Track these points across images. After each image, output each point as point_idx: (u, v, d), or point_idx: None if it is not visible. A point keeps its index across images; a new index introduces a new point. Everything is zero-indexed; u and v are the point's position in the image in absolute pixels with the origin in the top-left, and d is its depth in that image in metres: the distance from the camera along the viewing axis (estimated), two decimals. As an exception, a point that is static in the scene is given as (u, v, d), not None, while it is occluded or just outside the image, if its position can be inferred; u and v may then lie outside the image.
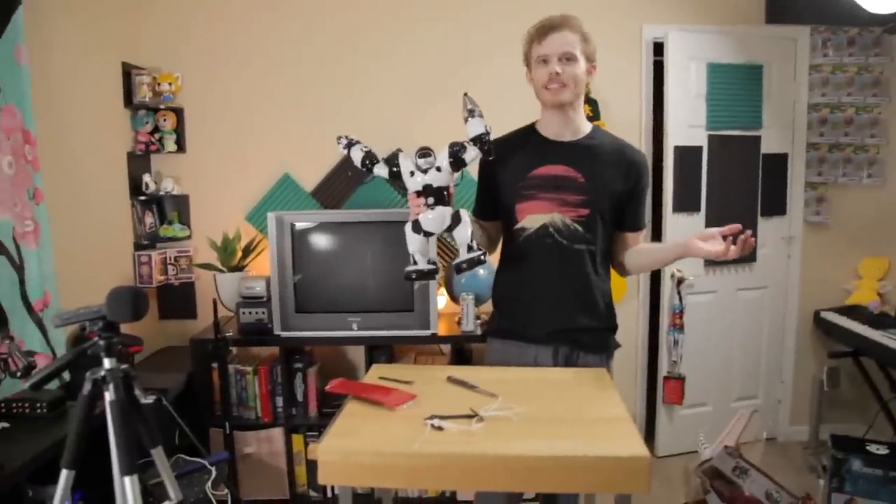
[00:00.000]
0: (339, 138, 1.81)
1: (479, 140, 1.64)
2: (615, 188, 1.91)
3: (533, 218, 1.89)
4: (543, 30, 1.85)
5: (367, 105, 3.37)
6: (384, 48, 3.35)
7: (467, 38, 3.24)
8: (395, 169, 1.70)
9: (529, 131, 1.98)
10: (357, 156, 1.76)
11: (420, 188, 1.67)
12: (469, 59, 3.23)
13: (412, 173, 1.67)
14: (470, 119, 1.66)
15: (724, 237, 1.74)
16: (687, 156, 3.38)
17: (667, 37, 3.29)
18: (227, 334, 2.97)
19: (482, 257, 1.68)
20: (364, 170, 1.76)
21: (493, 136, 1.71)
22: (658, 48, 3.39)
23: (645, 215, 2.03)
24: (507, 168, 1.92)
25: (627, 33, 3.42)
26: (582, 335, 1.92)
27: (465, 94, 1.69)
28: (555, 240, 1.88)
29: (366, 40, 3.37)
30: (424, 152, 1.66)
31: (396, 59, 3.32)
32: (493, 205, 1.98)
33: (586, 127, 1.96)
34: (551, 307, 1.91)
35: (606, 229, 1.93)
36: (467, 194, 2.24)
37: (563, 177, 1.88)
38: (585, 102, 3.26)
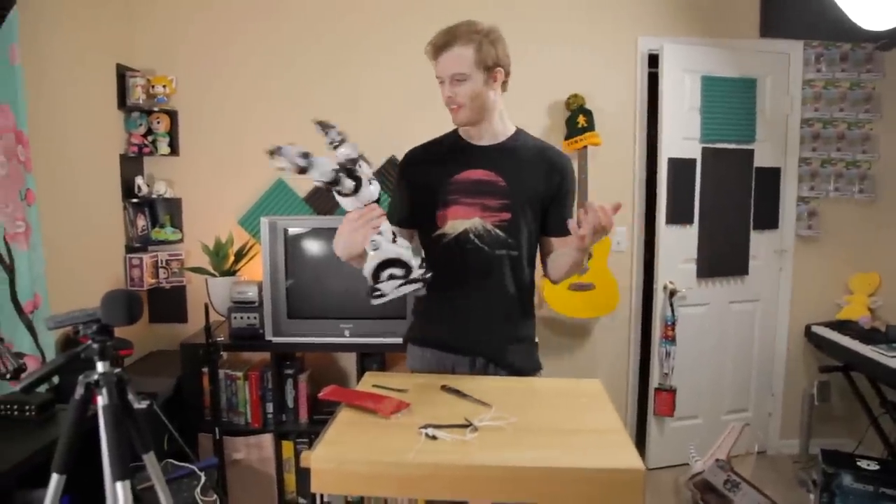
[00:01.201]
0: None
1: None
2: (537, 191, 1.85)
3: (454, 224, 1.84)
4: (434, 49, 1.74)
5: (363, 109, 3.37)
6: (380, 53, 3.36)
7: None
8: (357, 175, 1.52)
9: (452, 136, 1.92)
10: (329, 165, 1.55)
11: (377, 197, 1.55)
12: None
13: (370, 181, 1.53)
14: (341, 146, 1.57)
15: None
16: (680, 168, 3.39)
17: (662, 49, 3.31)
18: (218, 339, 2.95)
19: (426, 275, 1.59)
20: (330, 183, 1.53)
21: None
22: (653, 60, 3.41)
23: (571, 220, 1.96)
24: (429, 174, 1.86)
25: (623, 45, 3.45)
26: (498, 347, 1.87)
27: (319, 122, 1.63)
28: (476, 245, 1.83)
29: (362, 45, 3.37)
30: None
31: (393, 64, 3.33)
32: (410, 211, 1.90)
33: (508, 129, 1.90)
34: (470, 317, 1.86)
35: (530, 234, 1.88)
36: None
37: (484, 181, 1.83)
38: (581, 113, 3.32)
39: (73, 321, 1.37)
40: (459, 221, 1.84)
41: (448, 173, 1.85)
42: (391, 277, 1.54)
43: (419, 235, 1.94)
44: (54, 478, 1.34)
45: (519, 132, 1.92)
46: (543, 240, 1.94)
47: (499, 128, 1.87)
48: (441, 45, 1.72)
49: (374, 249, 1.52)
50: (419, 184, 1.88)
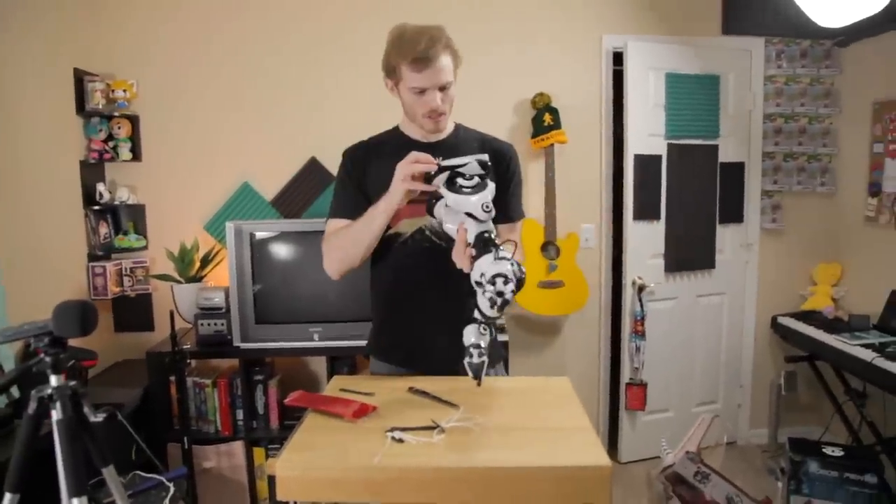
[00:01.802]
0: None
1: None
2: None
3: (407, 222, 1.81)
4: (420, 62, 1.66)
5: (329, 113, 3.35)
6: (347, 57, 3.33)
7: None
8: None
9: (394, 133, 1.89)
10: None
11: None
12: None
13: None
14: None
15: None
16: (646, 164, 3.42)
17: (626, 46, 3.34)
18: (185, 346, 2.90)
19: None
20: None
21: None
22: (618, 58, 3.44)
23: (518, 207, 1.91)
24: (376, 173, 1.80)
25: (587, 43, 3.46)
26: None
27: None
28: (433, 243, 1.79)
29: (328, 49, 3.35)
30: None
31: (359, 68, 3.30)
32: (361, 210, 1.78)
33: (450, 125, 1.88)
34: (434, 324, 1.80)
35: None
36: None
37: None
38: (547, 111, 3.33)
39: (23, 335, 1.33)
40: (413, 220, 1.80)
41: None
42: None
43: None
44: (7, 497, 1.30)
45: (458, 127, 1.91)
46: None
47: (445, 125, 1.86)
48: (430, 55, 1.66)
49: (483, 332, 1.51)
50: (368, 182, 1.83)
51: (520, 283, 1.36)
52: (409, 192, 1.59)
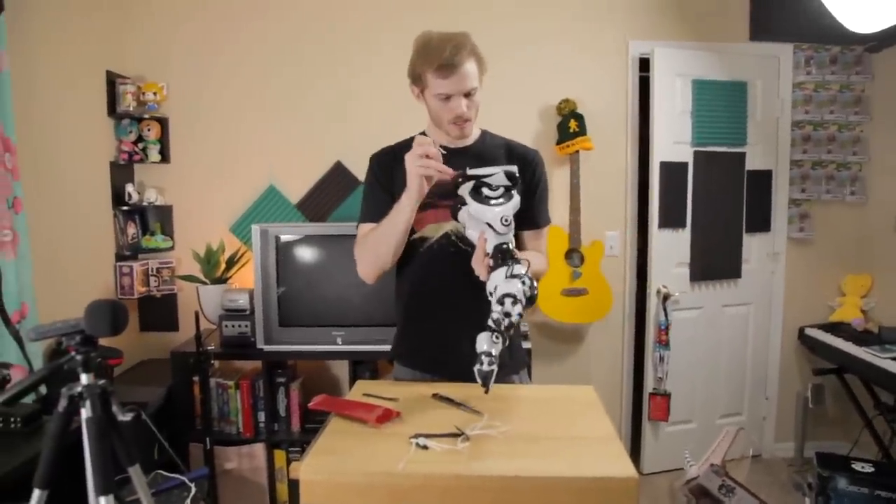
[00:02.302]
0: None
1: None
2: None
3: (433, 227, 1.81)
4: (445, 68, 1.67)
5: (355, 118, 3.36)
6: (371, 57, 3.35)
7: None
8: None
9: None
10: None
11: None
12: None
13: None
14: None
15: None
16: (672, 172, 3.39)
17: (652, 53, 3.31)
18: (209, 347, 2.93)
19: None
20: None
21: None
22: (644, 64, 3.41)
23: (544, 213, 1.92)
24: (402, 176, 1.76)
25: (613, 49, 3.45)
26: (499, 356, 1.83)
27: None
28: (458, 248, 1.77)
29: (355, 51, 3.37)
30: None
31: (386, 71, 3.31)
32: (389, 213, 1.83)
33: (476, 131, 1.89)
34: (459, 330, 1.74)
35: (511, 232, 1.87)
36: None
37: None
38: (572, 117, 3.31)
39: (56, 332, 1.35)
40: (439, 224, 1.81)
41: None
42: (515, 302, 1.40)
43: None
44: (36, 493, 1.32)
45: (485, 133, 1.92)
46: (518, 234, 1.90)
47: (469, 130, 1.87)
48: (455, 62, 1.67)
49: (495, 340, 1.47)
50: (395, 186, 1.83)
51: (530, 301, 1.38)
52: (428, 180, 1.61)
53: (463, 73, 1.69)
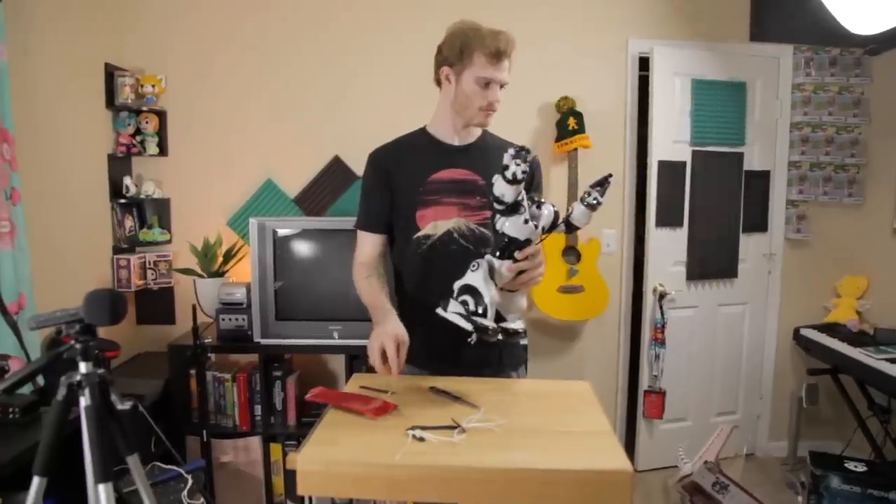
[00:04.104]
0: None
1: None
2: None
3: (437, 224, 1.82)
4: (498, 53, 1.73)
5: (353, 112, 3.36)
6: (372, 53, 3.34)
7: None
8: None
9: (422, 136, 1.91)
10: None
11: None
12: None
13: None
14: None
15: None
16: (670, 171, 3.40)
17: (652, 52, 3.32)
18: (206, 341, 2.94)
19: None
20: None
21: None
22: (643, 63, 3.42)
23: None
24: (407, 173, 1.84)
25: (613, 47, 3.45)
26: (486, 354, 1.82)
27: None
28: (460, 245, 1.81)
29: (354, 45, 3.36)
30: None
31: (385, 65, 3.32)
32: (388, 214, 1.88)
33: (478, 130, 1.91)
34: (459, 329, 1.81)
35: None
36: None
37: (463, 180, 1.83)
38: (571, 115, 3.32)
39: (55, 321, 1.35)
40: (442, 222, 1.82)
41: (427, 172, 1.83)
42: (462, 303, 1.47)
43: (396, 237, 1.91)
44: (35, 480, 1.32)
45: (485, 133, 1.93)
46: None
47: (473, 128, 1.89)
48: (505, 51, 1.74)
49: (473, 270, 1.49)
50: (396, 184, 1.86)
51: (478, 329, 1.42)
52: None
53: (506, 66, 1.76)
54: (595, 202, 1.50)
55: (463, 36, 1.76)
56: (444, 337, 1.80)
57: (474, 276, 1.48)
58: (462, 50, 1.75)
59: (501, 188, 1.42)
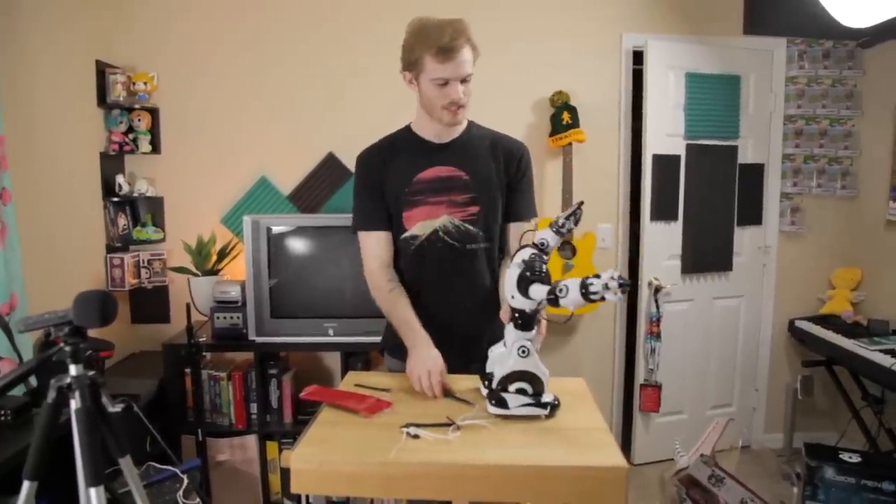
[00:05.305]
0: None
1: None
2: (499, 180, 1.85)
3: (423, 225, 1.82)
4: (444, 52, 1.66)
5: (347, 109, 3.35)
6: (366, 53, 3.32)
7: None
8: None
9: (406, 133, 1.90)
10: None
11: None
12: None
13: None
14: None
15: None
16: (665, 164, 3.40)
17: (646, 46, 3.31)
18: (201, 339, 2.93)
19: None
20: None
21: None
22: (637, 57, 3.41)
23: (530, 206, 1.92)
24: (393, 174, 1.83)
25: (607, 41, 3.44)
26: (477, 348, 1.78)
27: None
28: (446, 243, 1.81)
29: (348, 42, 3.35)
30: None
31: (379, 62, 3.28)
32: (386, 210, 1.86)
33: (463, 123, 1.89)
34: (447, 324, 1.82)
35: (498, 224, 1.87)
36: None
37: (448, 177, 1.82)
38: (565, 109, 3.31)
39: (44, 324, 1.34)
40: (428, 221, 1.82)
41: (412, 172, 1.83)
42: (519, 391, 1.49)
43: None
44: (26, 485, 1.31)
45: (471, 124, 1.91)
46: (504, 226, 1.92)
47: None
48: (454, 46, 1.67)
49: (523, 356, 1.51)
50: (384, 186, 1.85)
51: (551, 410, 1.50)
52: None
53: (461, 59, 1.69)
54: (564, 230, 1.52)
55: (411, 39, 1.73)
56: (436, 336, 1.81)
57: (527, 363, 1.51)
58: (411, 55, 1.73)
59: (545, 234, 1.52)
